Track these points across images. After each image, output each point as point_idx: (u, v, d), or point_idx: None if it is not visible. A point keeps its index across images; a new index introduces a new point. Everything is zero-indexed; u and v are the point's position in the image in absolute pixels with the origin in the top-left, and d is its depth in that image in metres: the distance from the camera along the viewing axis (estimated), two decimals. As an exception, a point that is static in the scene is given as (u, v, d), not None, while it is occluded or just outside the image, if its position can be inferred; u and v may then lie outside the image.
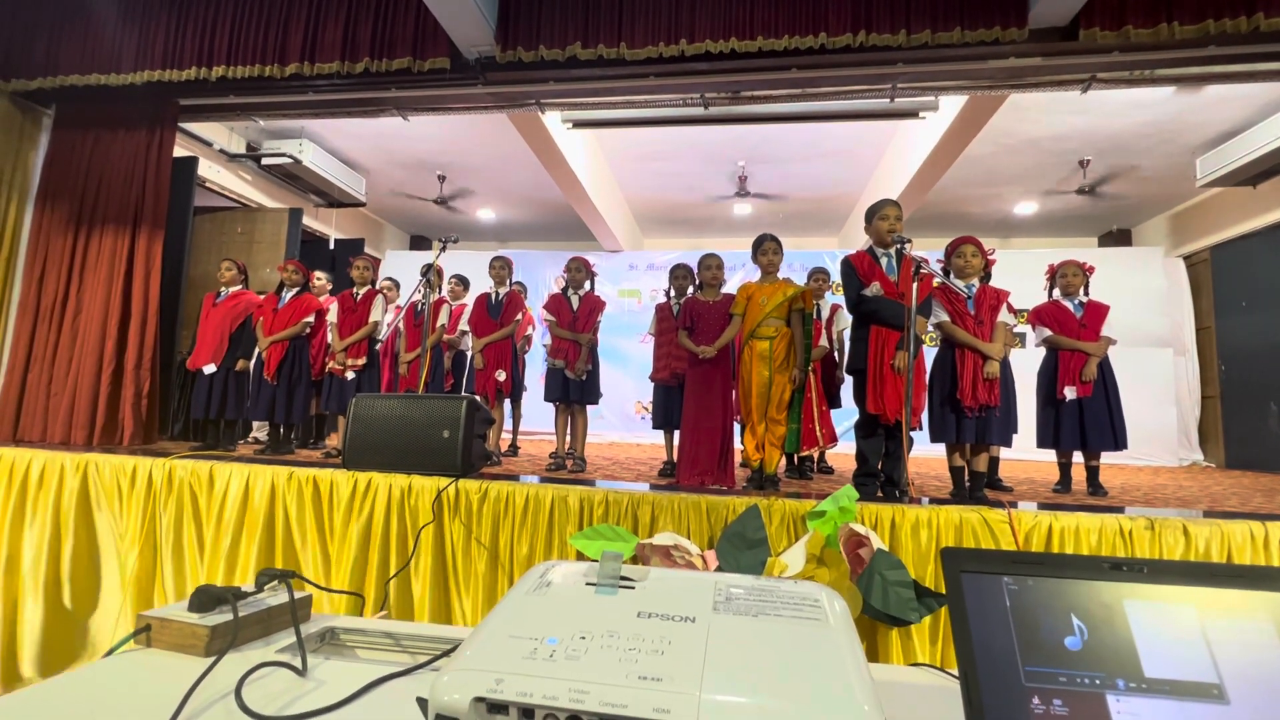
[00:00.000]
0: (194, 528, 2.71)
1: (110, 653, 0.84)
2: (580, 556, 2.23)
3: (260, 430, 5.05)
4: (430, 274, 3.67)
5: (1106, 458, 3.65)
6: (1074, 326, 3.54)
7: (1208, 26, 3.14)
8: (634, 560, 2.12)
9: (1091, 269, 3.68)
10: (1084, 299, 3.62)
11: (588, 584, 0.72)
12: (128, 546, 2.74)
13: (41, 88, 4.22)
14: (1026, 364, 3.89)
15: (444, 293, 4.99)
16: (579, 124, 5.68)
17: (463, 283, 5.19)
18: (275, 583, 0.98)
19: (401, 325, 4.63)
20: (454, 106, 4.30)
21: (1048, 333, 3.60)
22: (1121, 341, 3.64)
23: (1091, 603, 0.64)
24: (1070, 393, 3.45)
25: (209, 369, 4.05)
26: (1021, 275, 4.86)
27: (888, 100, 3.98)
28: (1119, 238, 8.03)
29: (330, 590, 2.46)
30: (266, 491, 2.68)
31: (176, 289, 4.75)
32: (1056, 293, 3.72)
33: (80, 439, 3.87)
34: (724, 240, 8.92)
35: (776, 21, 3.46)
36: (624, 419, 7.75)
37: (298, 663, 0.78)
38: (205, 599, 0.88)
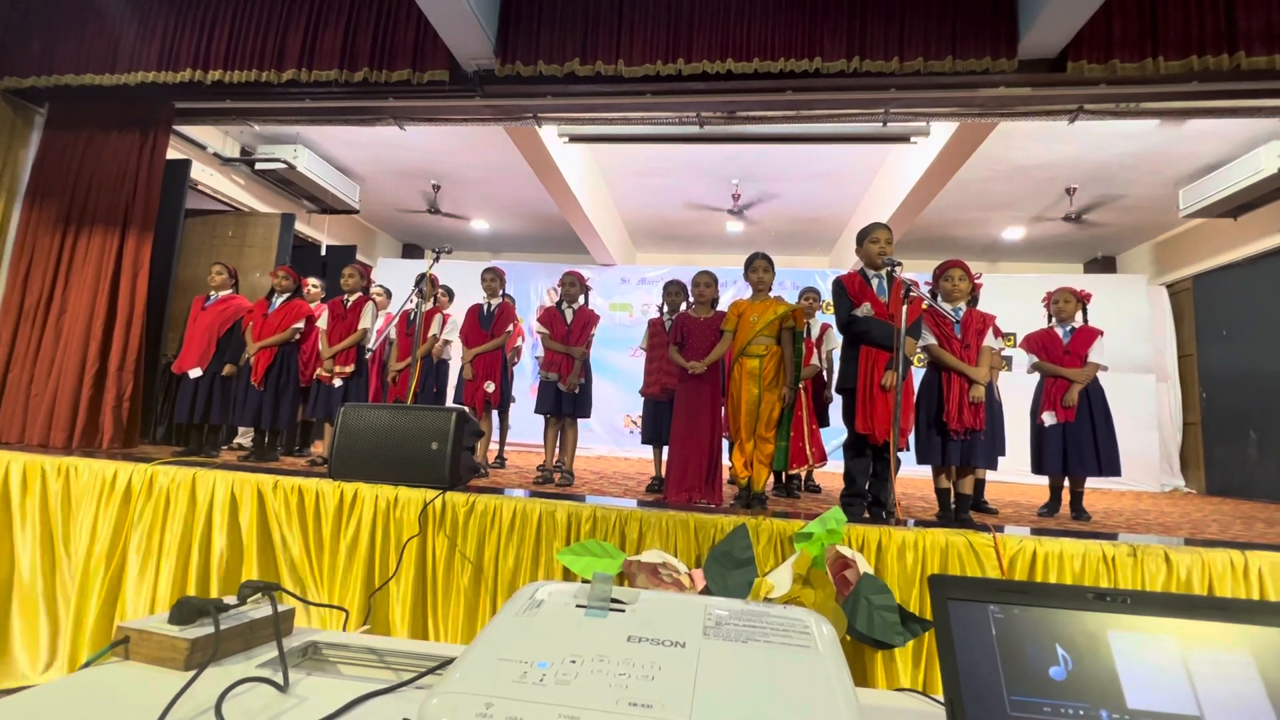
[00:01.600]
0: (175, 536, 2.66)
1: (87, 665, 0.82)
2: (567, 572, 2.21)
3: (244, 436, 4.99)
4: (424, 284, 3.67)
5: (1091, 482, 3.68)
6: (1059, 353, 3.59)
7: (1191, 63, 3.22)
8: (621, 577, 2.11)
9: (1087, 295, 3.72)
10: (1075, 325, 3.66)
11: (578, 605, 0.71)
12: (105, 554, 2.68)
13: (35, 86, 4.20)
14: (1014, 387, 3.93)
15: (437, 303, 4.99)
16: (575, 138, 5.72)
17: (448, 294, 5.20)
18: (258, 595, 0.97)
19: (393, 333, 4.60)
20: (451, 118, 4.31)
21: (1035, 359, 3.64)
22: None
23: (1076, 633, 0.65)
24: (1049, 418, 3.49)
25: (195, 373, 4.00)
26: (1008, 299, 4.93)
27: (880, 124, 4.04)
28: (1104, 265, 8.17)
29: (313, 604, 2.43)
30: (250, 501, 2.64)
31: (164, 291, 4.70)
32: (1054, 319, 3.77)
33: (60, 441, 3.80)
34: (716, 257, 8.97)
35: (773, 44, 3.52)
36: (612, 432, 7.74)
37: (279, 678, 0.77)
38: (186, 611, 0.87)
